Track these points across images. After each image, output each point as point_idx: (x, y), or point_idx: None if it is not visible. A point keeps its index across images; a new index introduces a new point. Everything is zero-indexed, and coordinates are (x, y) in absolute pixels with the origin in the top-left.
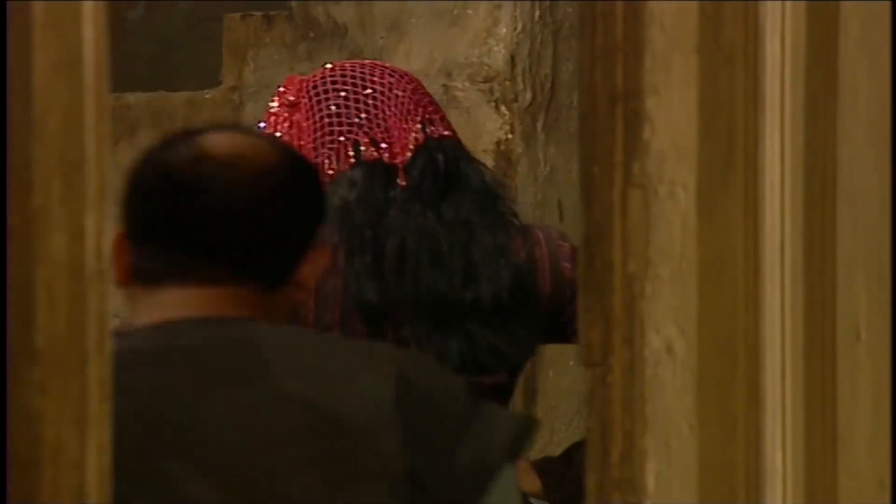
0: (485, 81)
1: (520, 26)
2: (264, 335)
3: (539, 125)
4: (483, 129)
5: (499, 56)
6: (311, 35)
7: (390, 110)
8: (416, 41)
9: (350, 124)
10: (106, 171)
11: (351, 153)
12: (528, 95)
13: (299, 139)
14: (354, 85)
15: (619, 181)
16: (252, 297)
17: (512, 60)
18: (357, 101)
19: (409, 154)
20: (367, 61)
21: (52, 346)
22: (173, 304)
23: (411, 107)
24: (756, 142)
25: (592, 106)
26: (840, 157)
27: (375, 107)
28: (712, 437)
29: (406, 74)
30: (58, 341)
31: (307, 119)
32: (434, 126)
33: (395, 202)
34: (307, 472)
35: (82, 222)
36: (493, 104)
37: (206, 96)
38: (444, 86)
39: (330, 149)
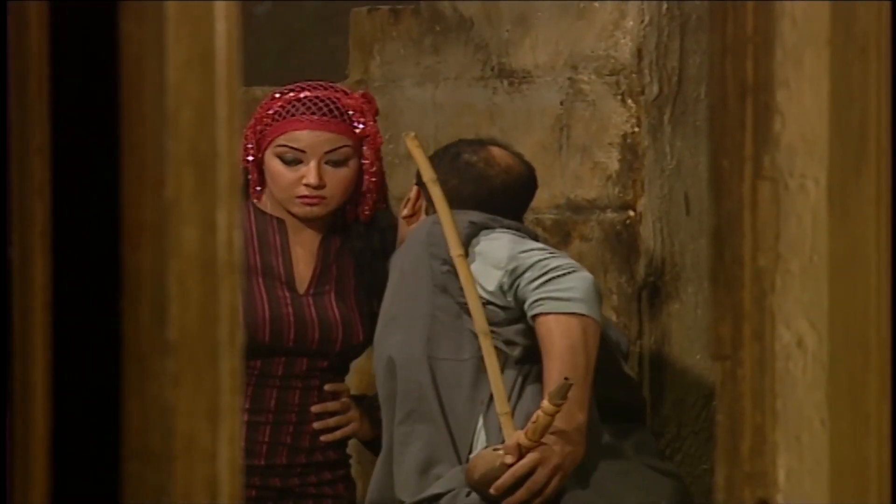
0: (611, 74)
1: (647, 19)
2: None
3: (666, 118)
4: (609, 122)
5: (626, 49)
6: (438, 29)
7: None
8: (541, 34)
9: None
10: (237, 164)
11: None
12: (655, 88)
13: None
14: None
15: (749, 174)
16: None
17: (639, 53)
18: None
19: None
20: None
21: (184, 339)
22: None
23: None
24: (889, 134)
25: (722, 99)
26: None
27: None
28: (844, 432)
29: None
30: (190, 334)
31: None
32: None
33: None
34: None
35: (214, 215)
36: (620, 97)
37: None
38: (569, 79)
39: None
